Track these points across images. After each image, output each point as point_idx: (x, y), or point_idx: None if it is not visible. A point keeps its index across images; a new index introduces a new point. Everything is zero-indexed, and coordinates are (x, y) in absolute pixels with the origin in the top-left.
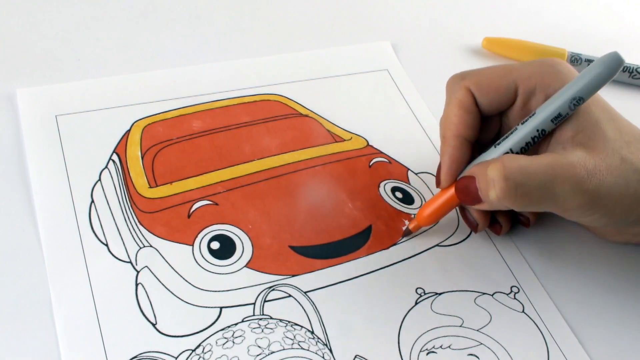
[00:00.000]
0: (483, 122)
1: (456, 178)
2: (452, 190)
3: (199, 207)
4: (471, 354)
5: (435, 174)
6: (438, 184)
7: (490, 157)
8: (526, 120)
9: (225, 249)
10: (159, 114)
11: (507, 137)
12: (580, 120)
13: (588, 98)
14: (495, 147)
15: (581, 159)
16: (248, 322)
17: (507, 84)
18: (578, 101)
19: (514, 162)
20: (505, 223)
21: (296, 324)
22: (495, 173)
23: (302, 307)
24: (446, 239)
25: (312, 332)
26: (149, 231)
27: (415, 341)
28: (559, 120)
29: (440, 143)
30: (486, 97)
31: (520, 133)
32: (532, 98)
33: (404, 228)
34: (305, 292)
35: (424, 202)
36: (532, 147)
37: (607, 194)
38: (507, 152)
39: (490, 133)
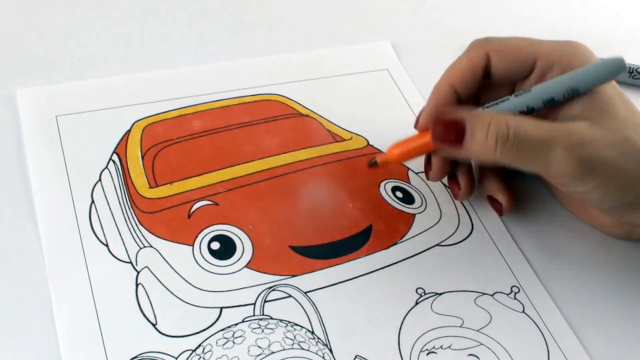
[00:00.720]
0: (493, 89)
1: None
2: (428, 136)
3: (199, 207)
4: (471, 354)
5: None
6: (416, 125)
7: (502, 107)
8: (520, 94)
9: (225, 249)
10: (159, 114)
11: (496, 103)
12: (593, 97)
13: (583, 91)
14: (482, 109)
15: (580, 128)
16: (248, 323)
17: (527, 55)
18: (573, 92)
19: (516, 119)
20: (465, 186)
21: (296, 324)
22: (495, 123)
23: (303, 308)
24: (446, 239)
25: (313, 332)
26: (149, 231)
27: (416, 341)
28: (551, 103)
29: (430, 93)
30: (504, 63)
31: (509, 104)
32: (548, 73)
33: (371, 161)
34: (305, 292)
35: (424, 202)
36: None
37: (602, 166)
38: None
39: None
